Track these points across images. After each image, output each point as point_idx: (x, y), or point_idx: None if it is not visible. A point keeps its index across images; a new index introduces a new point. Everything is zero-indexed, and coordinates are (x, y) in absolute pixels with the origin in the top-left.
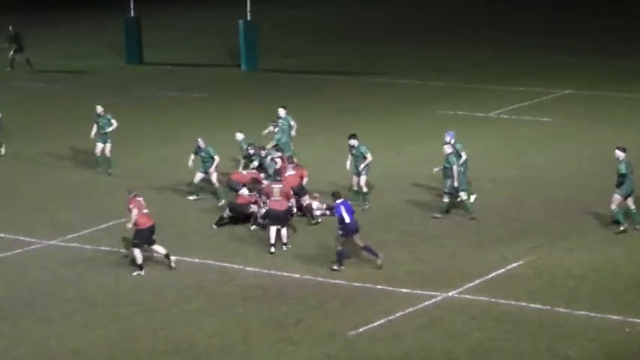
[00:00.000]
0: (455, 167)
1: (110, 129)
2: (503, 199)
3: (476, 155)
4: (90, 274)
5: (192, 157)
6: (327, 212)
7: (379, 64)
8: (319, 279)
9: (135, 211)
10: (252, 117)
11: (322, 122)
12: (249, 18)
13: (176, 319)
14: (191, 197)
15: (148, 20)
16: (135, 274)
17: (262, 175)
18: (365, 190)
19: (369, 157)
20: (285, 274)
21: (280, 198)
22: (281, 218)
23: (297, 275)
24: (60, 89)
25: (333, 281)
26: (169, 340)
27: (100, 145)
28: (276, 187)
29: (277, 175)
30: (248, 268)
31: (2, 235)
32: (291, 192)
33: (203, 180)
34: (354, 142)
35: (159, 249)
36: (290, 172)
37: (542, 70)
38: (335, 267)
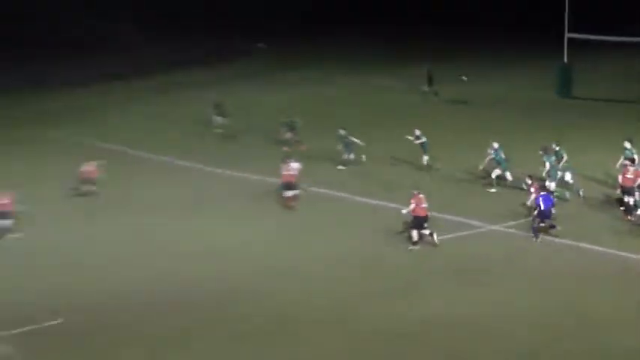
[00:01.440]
0: None
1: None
2: None
3: None
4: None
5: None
6: None
7: None
8: None
9: (412, 205)
10: None
11: None
12: None
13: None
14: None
15: (578, 64)
16: (409, 248)
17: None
18: None
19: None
20: None
21: None
22: None
23: None
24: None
25: None
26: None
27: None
28: None
29: None
30: None
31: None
32: None
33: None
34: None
35: (424, 232)
36: None
37: None
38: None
